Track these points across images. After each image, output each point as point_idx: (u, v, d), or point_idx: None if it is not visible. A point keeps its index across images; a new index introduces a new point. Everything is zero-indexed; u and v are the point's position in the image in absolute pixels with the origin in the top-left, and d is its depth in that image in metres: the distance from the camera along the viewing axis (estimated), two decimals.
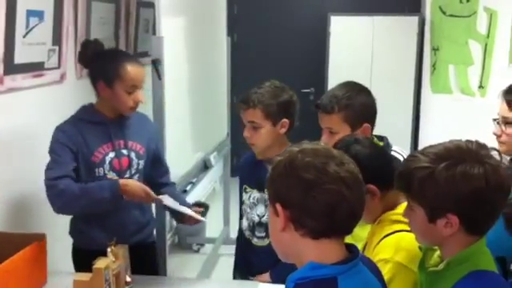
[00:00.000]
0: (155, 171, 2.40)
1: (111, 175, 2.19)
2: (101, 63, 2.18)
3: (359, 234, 1.78)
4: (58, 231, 2.33)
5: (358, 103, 2.09)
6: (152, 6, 3.13)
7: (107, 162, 2.19)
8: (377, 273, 1.36)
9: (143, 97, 2.21)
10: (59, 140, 2.13)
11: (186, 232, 4.60)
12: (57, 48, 2.49)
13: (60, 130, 2.16)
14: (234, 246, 2.49)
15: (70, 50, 2.60)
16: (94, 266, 1.76)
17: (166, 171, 2.48)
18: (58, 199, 2.07)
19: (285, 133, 2.24)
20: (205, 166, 3.69)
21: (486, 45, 5.27)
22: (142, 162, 2.29)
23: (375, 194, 1.60)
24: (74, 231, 2.32)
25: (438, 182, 1.30)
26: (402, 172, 1.40)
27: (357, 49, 5.56)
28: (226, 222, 4.74)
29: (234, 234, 3.71)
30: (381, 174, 1.59)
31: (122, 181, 2.10)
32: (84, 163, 2.15)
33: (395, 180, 1.44)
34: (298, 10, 6.23)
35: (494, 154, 1.36)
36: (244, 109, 2.19)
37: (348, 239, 1.33)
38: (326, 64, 5.65)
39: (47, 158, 2.11)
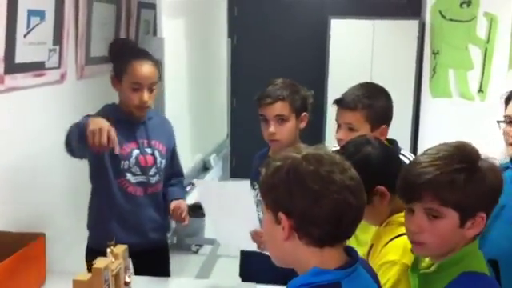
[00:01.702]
0: (167, 171, 2.42)
1: (135, 170, 2.24)
2: (116, 58, 2.25)
3: (362, 238, 1.79)
4: (58, 231, 2.33)
5: (380, 104, 2.11)
6: (153, 7, 3.14)
7: (133, 157, 2.24)
8: (373, 274, 1.36)
9: (148, 97, 2.20)
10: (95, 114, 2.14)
11: (185, 233, 4.60)
12: (57, 48, 2.49)
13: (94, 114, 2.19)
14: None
15: (70, 50, 2.60)
16: (94, 266, 1.75)
17: (177, 173, 2.48)
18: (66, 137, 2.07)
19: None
20: (204, 167, 3.69)
21: (485, 49, 5.27)
22: (163, 162, 2.33)
23: (385, 196, 1.58)
24: (92, 227, 2.33)
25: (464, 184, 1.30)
26: (410, 181, 1.38)
27: (357, 52, 5.57)
28: None
29: None
30: (391, 175, 1.54)
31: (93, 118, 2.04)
32: (111, 154, 2.17)
33: (401, 190, 1.41)
34: (298, 13, 6.24)
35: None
36: (270, 103, 2.14)
37: (351, 242, 1.33)
38: (326, 66, 5.66)
39: (47, 158, 2.11)
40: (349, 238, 1.25)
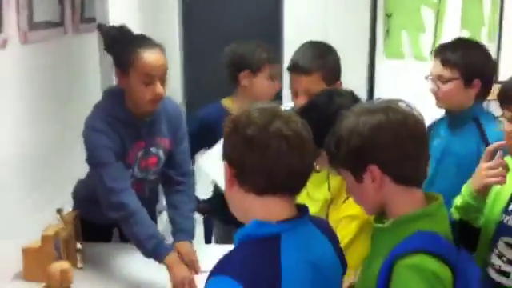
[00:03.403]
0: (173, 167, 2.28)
1: (139, 174, 2.14)
2: (117, 49, 2.03)
3: (314, 195, 1.80)
4: None
5: (332, 61, 2.16)
6: None
7: (137, 163, 2.12)
8: (330, 234, 1.36)
9: (162, 89, 2.02)
10: (102, 144, 1.99)
11: None
12: None
13: (97, 130, 2.01)
14: None
15: (11, 14, 2.49)
16: (43, 234, 1.72)
17: (185, 173, 2.30)
18: (116, 211, 1.98)
19: None
20: None
21: (438, 11, 5.34)
22: (166, 158, 2.21)
23: None
24: (81, 200, 2.25)
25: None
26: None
27: (311, 15, 5.55)
28: None
29: None
30: None
31: (170, 258, 1.98)
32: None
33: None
34: None
35: None
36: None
37: (303, 198, 1.33)
38: (281, 28, 5.65)
39: None
40: (294, 192, 1.25)
